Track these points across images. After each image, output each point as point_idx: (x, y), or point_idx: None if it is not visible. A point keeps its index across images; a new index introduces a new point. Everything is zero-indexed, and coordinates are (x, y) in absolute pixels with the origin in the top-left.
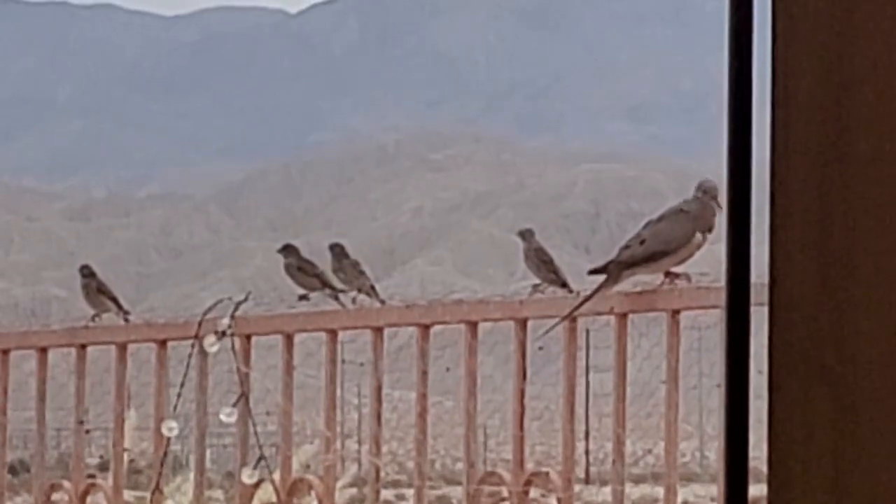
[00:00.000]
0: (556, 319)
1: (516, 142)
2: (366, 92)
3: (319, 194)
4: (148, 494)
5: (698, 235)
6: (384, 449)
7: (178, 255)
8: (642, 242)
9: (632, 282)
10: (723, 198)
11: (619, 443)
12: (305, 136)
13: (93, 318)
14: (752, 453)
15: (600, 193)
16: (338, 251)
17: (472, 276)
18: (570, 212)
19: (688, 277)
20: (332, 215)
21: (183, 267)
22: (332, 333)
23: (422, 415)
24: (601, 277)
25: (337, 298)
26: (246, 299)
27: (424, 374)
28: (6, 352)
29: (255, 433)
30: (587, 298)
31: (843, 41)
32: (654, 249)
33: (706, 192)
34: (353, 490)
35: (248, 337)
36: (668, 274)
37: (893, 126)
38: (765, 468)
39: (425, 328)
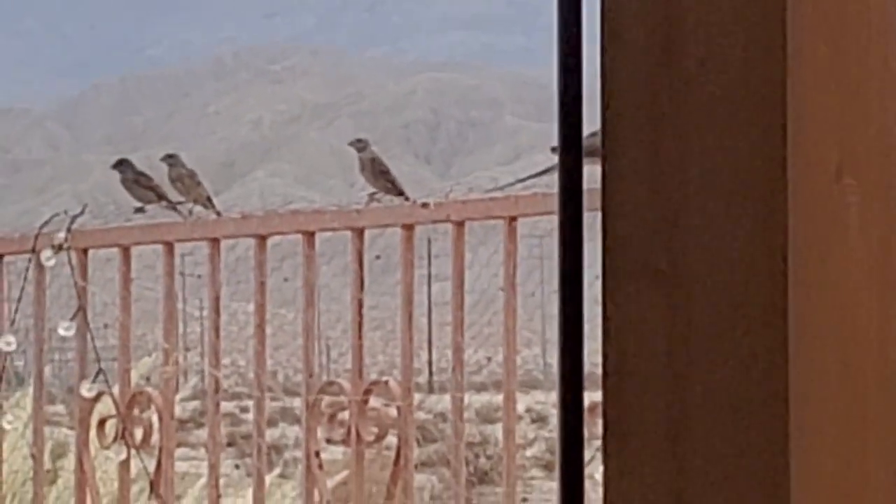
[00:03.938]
0: (394, 229)
1: (353, 54)
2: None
3: (157, 108)
4: None
5: None
6: (226, 361)
7: (17, 171)
8: None
9: (468, 186)
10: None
11: (459, 350)
12: (141, 52)
13: None
14: (594, 359)
15: (439, 103)
16: (173, 162)
17: (313, 187)
18: (409, 121)
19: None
20: (170, 129)
21: (22, 182)
22: (169, 246)
23: (260, 326)
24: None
25: (175, 209)
26: (82, 212)
27: (262, 284)
28: None
29: (94, 347)
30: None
31: None
32: None
33: None
34: (196, 402)
35: (85, 251)
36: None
37: (721, 30)
38: None
39: (262, 239)
